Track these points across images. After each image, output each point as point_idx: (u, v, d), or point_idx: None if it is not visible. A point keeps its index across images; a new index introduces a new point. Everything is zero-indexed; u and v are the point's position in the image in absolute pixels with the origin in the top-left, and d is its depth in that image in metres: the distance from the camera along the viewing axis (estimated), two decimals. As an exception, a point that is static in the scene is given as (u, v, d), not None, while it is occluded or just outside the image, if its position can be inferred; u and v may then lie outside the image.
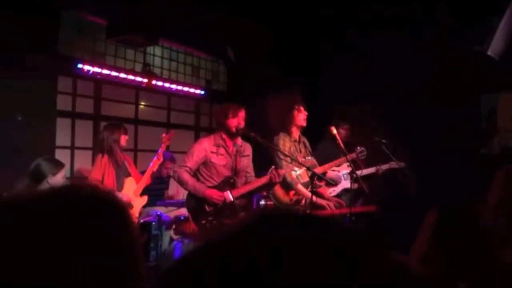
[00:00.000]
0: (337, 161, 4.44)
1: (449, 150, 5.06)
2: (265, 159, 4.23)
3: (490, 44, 4.42)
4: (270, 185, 3.94)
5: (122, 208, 0.76)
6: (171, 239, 4.98)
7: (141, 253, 0.75)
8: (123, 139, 4.28)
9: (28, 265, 0.63)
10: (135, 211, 4.24)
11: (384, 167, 4.74)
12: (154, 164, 4.38)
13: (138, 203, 4.29)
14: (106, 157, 4.18)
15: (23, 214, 0.68)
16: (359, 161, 4.67)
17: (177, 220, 4.95)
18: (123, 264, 0.70)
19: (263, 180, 3.85)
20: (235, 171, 3.96)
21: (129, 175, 4.31)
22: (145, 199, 4.41)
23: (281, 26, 5.76)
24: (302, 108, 4.31)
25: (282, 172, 3.87)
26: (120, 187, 4.20)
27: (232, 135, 3.93)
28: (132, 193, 4.24)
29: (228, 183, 3.89)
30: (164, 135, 4.60)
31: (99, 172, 4.14)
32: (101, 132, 4.34)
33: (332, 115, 4.90)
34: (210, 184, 3.88)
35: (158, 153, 4.42)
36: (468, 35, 4.70)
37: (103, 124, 5.56)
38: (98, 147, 4.30)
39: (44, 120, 5.11)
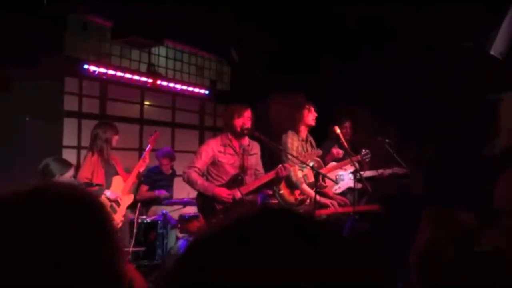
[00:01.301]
0: (342, 163, 4.49)
1: (453, 150, 5.09)
2: (273, 157, 4.28)
3: (493, 44, 4.44)
4: (277, 180, 3.98)
5: (97, 205, 0.76)
6: (177, 238, 5.04)
7: (119, 251, 0.74)
8: (114, 139, 4.32)
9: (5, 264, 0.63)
10: (122, 209, 4.30)
11: (387, 172, 4.73)
12: (139, 165, 4.44)
13: (125, 201, 4.35)
14: (96, 155, 4.22)
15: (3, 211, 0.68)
16: (364, 162, 4.71)
17: (183, 218, 5.02)
18: (99, 261, 0.69)
19: (271, 174, 3.90)
20: (243, 169, 4.01)
21: (117, 173, 4.36)
22: (131, 197, 4.48)
23: (283, 27, 5.80)
24: (312, 108, 4.38)
25: (289, 165, 3.91)
26: (109, 186, 4.25)
27: (238, 135, 3.99)
28: (119, 191, 4.29)
29: (236, 181, 3.95)
30: (149, 136, 4.68)
31: (89, 170, 4.17)
32: (93, 130, 4.35)
33: (334, 114, 4.93)
34: (218, 183, 3.94)
35: (144, 154, 4.50)
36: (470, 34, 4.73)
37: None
38: (89, 145, 4.33)
39: (51, 120, 5.17)
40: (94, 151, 4.23)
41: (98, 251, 0.70)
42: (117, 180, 4.33)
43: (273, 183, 4.10)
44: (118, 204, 4.25)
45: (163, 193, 5.36)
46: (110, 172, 4.30)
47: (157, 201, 5.44)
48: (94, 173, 4.18)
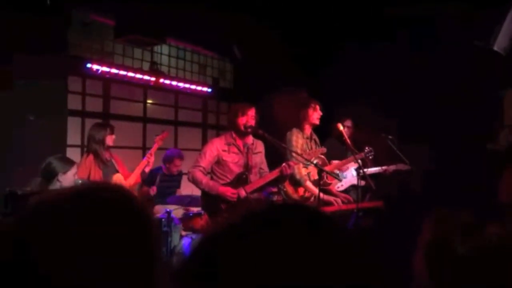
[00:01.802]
0: (345, 161, 4.49)
1: (455, 146, 5.08)
2: (277, 155, 4.28)
3: (496, 40, 4.42)
4: (282, 178, 3.98)
5: (146, 215, 0.77)
6: (181, 236, 5.05)
7: (159, 258, 0.75)
8: (109, 139, 4.26)
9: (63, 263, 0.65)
10: None
11: (391, 168, 4.74)
12: (142, 164, 4.40)
13: None
14: (91, 156, 4.19)
15: (53, 213, 0.71)
16: (367, 160, 4.71)
17: (186, 216, 5.02)
18: (141, 269, 0.71)
19: (275, 173, 3.90)
20: (248, 168, 4.02)
21: (116, 172, 4.32)
22: None
23: (286, 25, 5.79)
24: (318, 107, 4.37)
25: (293, 163, 3.91)
26: None
27: (241, 134, 3.99)
28: None
29: (241, 179, 3.95)
30: (156, 135, 4.64)
31: (85, 172, 4.12)
32: (88, 132, 4.34)
33: (336, 112, 4.92)
34: (223, 182, 3.94)
35: (149, 153, 4.47)
36: (473, 30, 4.71)
37: (112, 122, 5.63)
38: (86, 147, 4.32)
39: (55, 119, 5.18)
40: (90, 152, 4.23)
41: (141, 258, 0.71)
42: (116, 178, 4.27)
43: (277, 181, 4.10)
44: None
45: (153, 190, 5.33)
46: (109, 172, 4.27)
47: (160, 200, 5.44)
48: (91, 174, 4.16)
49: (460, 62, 4.99)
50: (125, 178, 4.34)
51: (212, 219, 4.00)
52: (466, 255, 1.04)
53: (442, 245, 1.08)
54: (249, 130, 3.95)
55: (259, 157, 4.13)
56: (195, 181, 3.94)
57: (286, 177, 4.02)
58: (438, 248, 1.09)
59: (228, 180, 3.95)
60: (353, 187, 4.82)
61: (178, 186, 5.74)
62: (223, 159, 3.96)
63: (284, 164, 3.86)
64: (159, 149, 4.79)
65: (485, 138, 5.24)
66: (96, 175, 4.17)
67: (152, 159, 4.48)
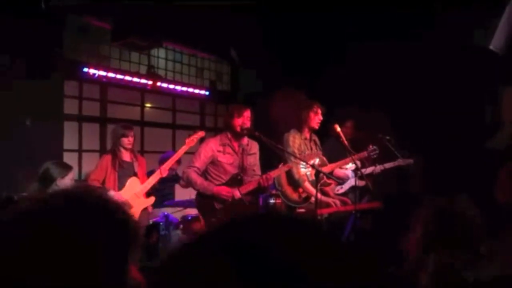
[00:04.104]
0: (343, 161, 4.46)
1: (454, 145, 5.07)
2: (274, 157, 4.26)
3: (492, 39, 4.42)
4: (262, 189, 3.96)
5: (123, 218, 0.79)
6: (179, 239, 5.03)
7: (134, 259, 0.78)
8: (126, 141, 4.27)
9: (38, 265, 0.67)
10: (135, 211, 4.19)
11: (390, 165, 4.70)
12: (157, 175, 4.30)
13: (139, 204, 4.25)
14: (109, 157, 4.22)
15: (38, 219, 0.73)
16: (366, 159, 4.69)
17: (185, 219, 5.00)
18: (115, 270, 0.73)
19: (254, 183, 3.88)
20: (242, 169, 4.01)
21: (134, 175, 4.31)
22: (151, 200, 4.39)
23: (282, 26, 5.79)
24: (319, 111, 4.33)
25: (270, 176, 3.89)
26: (122, 187, 4.20)
27: (237, 135, 3.98)
28: (133, 193, 4.21)
29: (235, 180, 3.94)
30: (190, 135, 4.42)
31: (101, 172, 4.18)
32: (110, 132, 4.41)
33: (336, 114, 4.91)
34: (218, 183, 3.93)
35: (177, 156, 4.42)
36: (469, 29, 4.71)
37: (109, 126, 5.62)
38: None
39: (51, 123, 5.17)
40: (109, 152, 4.31)
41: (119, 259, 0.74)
42: (132, 182, 4.26)
43: (260, 191, 4.07)
44: (130, 206, 4.13)
45: None
46: (126, 174, 4.27)
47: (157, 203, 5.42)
48: (106, 176, 4.18)
49: (458, 61, 4.99)
50: (142, 182, 4.31)
51: (206, 219, 3.98)
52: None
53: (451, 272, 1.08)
54: (245, 131, 3.94)
55: (253, 158, 4.12)
56: (189, 182, 3.93)
57: (266, 189, 4.01)
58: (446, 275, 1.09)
59: (223, 181, 3.94)
60: (352, 189, 4.80)
61: (173, 188, 5.71)
62: (218, 159, 3.95)
63: (263, 176, 3.85)
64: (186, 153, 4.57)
65: (484, 136, 5.25)
66: (111, 176, 4.18)
67: (175, 165, 4.40)
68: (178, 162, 5.54)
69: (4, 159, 4.44)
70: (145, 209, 4.38)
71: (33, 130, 4.86)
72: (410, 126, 5.19)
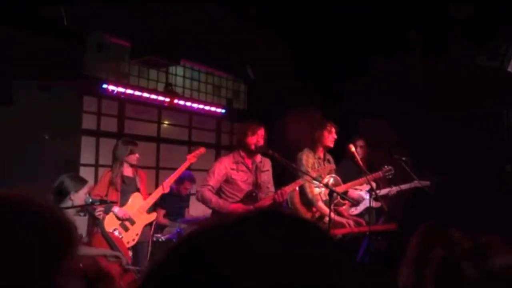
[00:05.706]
0: (357, 181, 4.41)
1: (473, 167, 4.97)
2: (286, 174, 4.23)
3: (511, 61, 4.36)
4: (277, 205, 3.92)
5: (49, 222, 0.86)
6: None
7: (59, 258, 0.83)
8: (132, 158, 4.26)
9: None
10: (137, 227, 4.17)
11: (405, 186, 4.63)
12: (159, 191, 4.29)
13: (142, 219, 4.22)
14: (111, 173, 4.21)
15: None
16: (380, 180, 4.63)
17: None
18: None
19: (268, 200, 3.86)
20: (257, 186, 3.99)
21: (136, 190, 4.28)
22: (152, 216, 4.35)
23: (299, 44, 5.82)
24: (333, 130, 4.32)
25: (285, 191, 3.85)
26: (125, 203, 4.18)
27: (250, 153, 3.98)
28: (136, 209, 4.19)
29: (251, 197, 3.92)
30: (194, 151, 4.49)
31: (103, 188, 4.16)
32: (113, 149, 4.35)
33: (350, 132, 4.87)
34: (233, 200, 3.92)
35: (168, 180, 4.35)
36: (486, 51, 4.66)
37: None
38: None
39: (69, 138, 5.25)
40: (111, 168, 4.26)
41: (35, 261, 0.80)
42: (135, 198, 4.24)
43: (275, 207, 4.04)
44: (132, 222, 4.16)
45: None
46: (128, 190, 4.26)
47: (171, 220, 5.41)
48: (109, 191, 4.18)
49: (477, 82, 4.92)
50: (144, 198, 4.31)
51: None
52: (478, 280, 1.00)
53: (453, 268, 1.04)
54: (259, 149, 3.93)
55: (267, 175, 4.10)
56: (204, 201, 3.91)
57: (281, 205, 3.97)
58: (448, 270, 1.05)
59: (238, 199, 3.92)
60: (367, 209, 4.73)
61: (187, 206, 5.72)
62: (232, 177, 3.94)
63: (278, 191, 3.81)
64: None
65: (505, 160, 5.14)
66: (113, 191, 4.17)
67: (189, 184, 4.40)
68: (193, 181, 5.56)
69: (20, 171, 4.50)
70: (149, 224, 4.35)
71: (51, 144, 4.94)
72: (427, 147, 5.12)
